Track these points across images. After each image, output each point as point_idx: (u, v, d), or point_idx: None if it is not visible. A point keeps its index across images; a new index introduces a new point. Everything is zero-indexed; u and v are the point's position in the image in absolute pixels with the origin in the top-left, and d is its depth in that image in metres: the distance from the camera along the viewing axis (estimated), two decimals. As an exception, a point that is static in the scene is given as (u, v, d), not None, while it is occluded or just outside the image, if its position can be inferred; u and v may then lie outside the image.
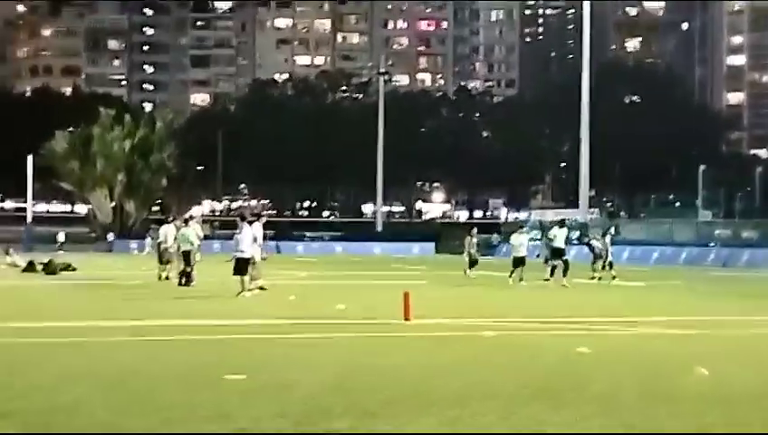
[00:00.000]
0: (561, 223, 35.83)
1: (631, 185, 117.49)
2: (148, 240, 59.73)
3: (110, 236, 78.42)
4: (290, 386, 11.07)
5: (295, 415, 9.23)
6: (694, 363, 12.44)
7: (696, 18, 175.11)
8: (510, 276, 33.80)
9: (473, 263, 38.41)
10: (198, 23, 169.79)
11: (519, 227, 41.00)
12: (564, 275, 32.78)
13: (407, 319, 19.00)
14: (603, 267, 36.77)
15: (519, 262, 34.11)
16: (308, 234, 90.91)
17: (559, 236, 34.25)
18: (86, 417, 9.22)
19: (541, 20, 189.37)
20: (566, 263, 33.41)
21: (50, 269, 38.76)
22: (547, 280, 33.40)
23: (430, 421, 8.94)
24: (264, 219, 29.45)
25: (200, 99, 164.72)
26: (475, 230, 40.50)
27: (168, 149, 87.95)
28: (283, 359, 13.57)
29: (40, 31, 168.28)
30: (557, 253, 33.93)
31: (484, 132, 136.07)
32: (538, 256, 40.12)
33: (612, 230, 41.14)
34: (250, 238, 27.03)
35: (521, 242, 34.93)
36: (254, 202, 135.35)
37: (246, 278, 26.66)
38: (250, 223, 27.71)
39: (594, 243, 38.13)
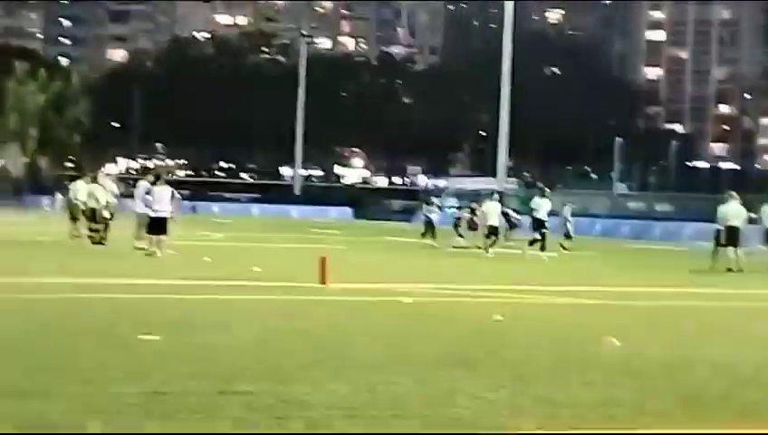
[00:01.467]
0: (542, 192, 34.15)
1: (548, 156, 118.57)
2: (59, 196, 58.90)
3: None
4: (205, 348, 10.99)
5: (211, 376, 9.15)
6: (605, 333, 12.62)
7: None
8: (486, 248, 32.36)
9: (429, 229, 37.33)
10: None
11: (490, 194, 37.50)
12: (543, 250, 31.66)
13: (323, 283, 18.99)
14: (568, 238, 36.52)
15: (494, 231, 32.75)
16: (225, 195, 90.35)
17: (542, 207, 32.84)
18: (-4, 375, 9.01)
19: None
20: (543, 235, 32.11)
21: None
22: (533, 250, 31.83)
23: (347, 386, 8.94)
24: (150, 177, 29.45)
25: (118, 55, 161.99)
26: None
27: (84, 105, 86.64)
28: (198, 320, 13.46)
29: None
30: (539, 224, 32.49)
31: (405, 99, 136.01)
32: (457, 225, 39.02)
33: (571, 204, 39.61)
34: (167, 197, 26.80)
35: (492, 210, 33.22)
36: (170, 162, 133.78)
37: (164, 238, 26.42)
38: (153, 183, 27.63)
39: (511, 213, 38.38)
